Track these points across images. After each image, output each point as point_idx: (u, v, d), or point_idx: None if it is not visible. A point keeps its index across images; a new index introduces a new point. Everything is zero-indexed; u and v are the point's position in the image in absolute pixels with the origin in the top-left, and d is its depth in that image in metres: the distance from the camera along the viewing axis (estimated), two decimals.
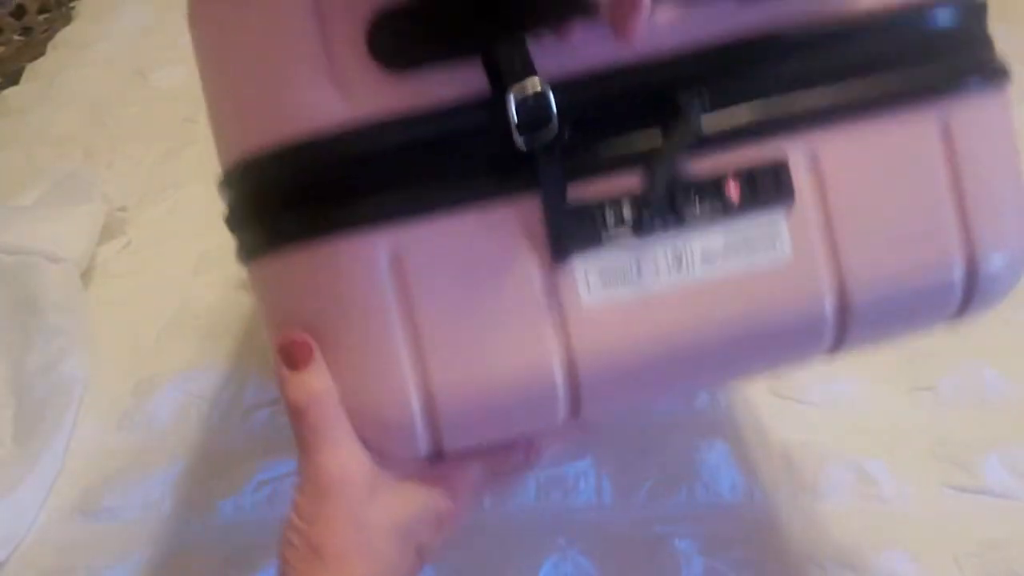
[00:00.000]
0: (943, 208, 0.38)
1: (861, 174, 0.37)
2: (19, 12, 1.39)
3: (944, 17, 0.38)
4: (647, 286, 0.36)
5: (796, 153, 0.37)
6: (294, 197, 0.35)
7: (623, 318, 0.36)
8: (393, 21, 0.34)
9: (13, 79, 1.20)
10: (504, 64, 0.33)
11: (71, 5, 1.36)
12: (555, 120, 0.34)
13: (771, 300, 0.37)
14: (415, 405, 0.36)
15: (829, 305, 0.37)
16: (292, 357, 0.36)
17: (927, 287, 0.38)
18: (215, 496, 0.59)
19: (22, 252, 0.74)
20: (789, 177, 0.37)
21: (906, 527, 0.57)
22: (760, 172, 0.36)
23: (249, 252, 0.37)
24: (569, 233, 0.35)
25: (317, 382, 0.36)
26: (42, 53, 1.22)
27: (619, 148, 0.35)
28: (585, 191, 0.35)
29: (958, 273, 0.38)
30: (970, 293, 0.39)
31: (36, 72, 1.17)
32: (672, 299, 0.36)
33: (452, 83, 0.34)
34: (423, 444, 0.37)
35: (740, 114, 0.36)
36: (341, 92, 0.34)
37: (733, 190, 0.36)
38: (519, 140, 0.34)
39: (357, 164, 0.34)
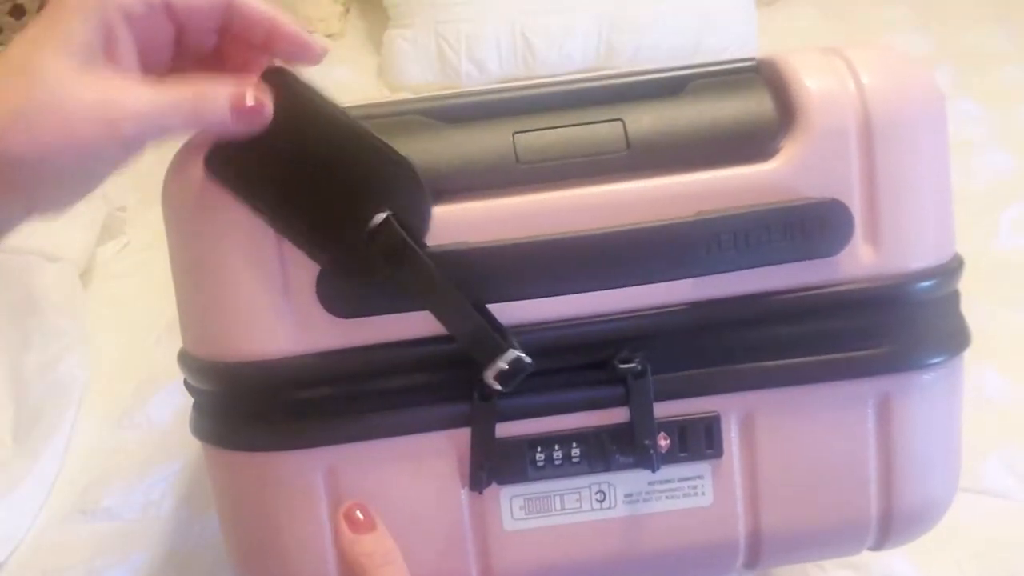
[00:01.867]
0: (866, 470, 0.39)
1: (791, 435, 0.38)
2: (18, 12, 1.39)
3: (911, 292, 0.37)
4: (569, 519, 0.38)
5: (729, 411, 0.38)
6: (242, 410, 0.38)
7: (543, 545, 0.38)
8: (332, 277, 0.36)
9: None
10: (476, 346, 0.35)
11: None
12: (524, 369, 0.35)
13: (688, 538, 0.39)
14: None
15: (743, 543, 0.39)
16: (355, 523, 0.38)
17: (841, 531, 0.40)
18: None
19: (22, 252, 0.74)
20: (719, 434, 0.38)
21: None
22: (691, 428, 0.38)
23: (200, 434, 0.39)
24: (496, 466, 0.37)
25: (377, 544, 0.38)
26: None
27: (554, 397, 0.37)
28: (516, 429, 0.37)
29: (873, 522, 0.40)
30: (885, 535, 0.40)
31: None
32: (591, 531, 0.38)
33: (395, 327, 0.36)
34: None
35: (678, 377, 0.37)
36: (294, 325, 0.36)
37: (663, 441, 0.38)
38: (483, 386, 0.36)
39: (300, 390, 0.37)
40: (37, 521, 0.59)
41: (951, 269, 0.39)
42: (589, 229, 0.36)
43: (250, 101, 0.33)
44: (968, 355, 0.39)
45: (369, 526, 0.38)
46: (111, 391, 0.68)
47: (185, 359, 0.39)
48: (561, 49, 1.01)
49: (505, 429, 0.37)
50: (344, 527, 0.38)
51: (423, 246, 0.35)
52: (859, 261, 0.37)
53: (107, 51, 0.33)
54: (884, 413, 0.38)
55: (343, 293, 0.36)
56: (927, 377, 0.38)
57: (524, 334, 0.36)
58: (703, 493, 0.39)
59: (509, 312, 0.36)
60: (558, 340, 0.36)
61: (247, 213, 0.35)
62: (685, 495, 0.38)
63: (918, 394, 0.38)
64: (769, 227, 0.36)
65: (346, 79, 1.09)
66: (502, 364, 0.35)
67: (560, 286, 0.36)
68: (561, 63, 1.01)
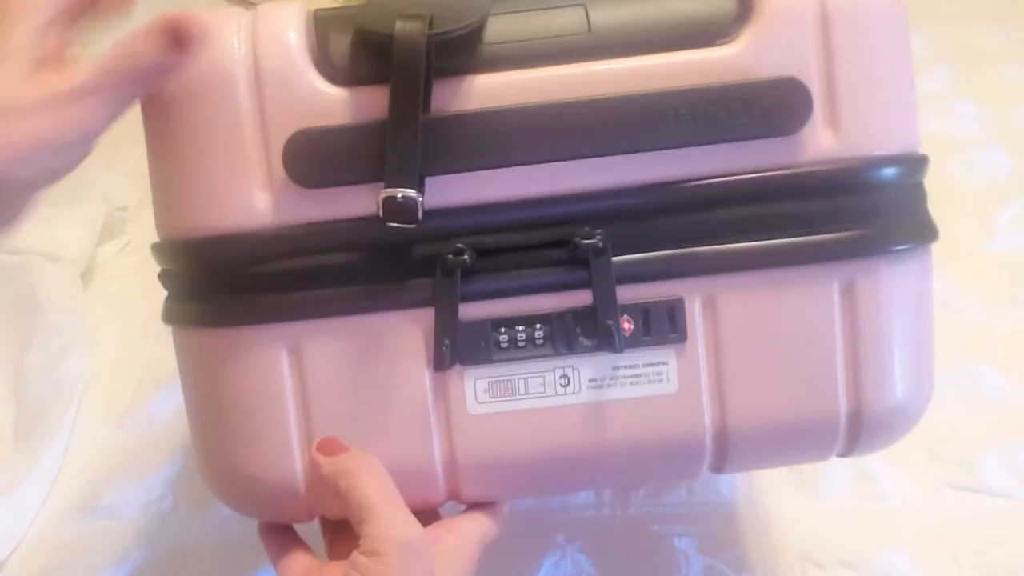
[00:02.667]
0: (832, 361, 0.39)
1: (756, 321, 0.38)
2: None
3: (872, 178, 0.38)
4: (533, 403, 0.38)
5: (693, 295, 0.38)
6: (210, 285, 0.38)
7: (507, 429, 0.38)
8: (303, 143, 0.36)
9: None
10: (390, 173, 0.36)
11: None
12: (418, 218, 0.36)
13: (653, 428, 0.39)
14: (298, 478, 0.39)
15: (709, 437, 0.39)
16: (330, 448, 0.38)
17: (809, 431, 0.40)
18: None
19: (22, 252, 0.74)
20: (683, 318, 0.38)
21: (906, 526, 0.57)
22: (654, 310, 0.38)
23: (170, 319, 0.40)
24: (460, 347, 0.38)
25: (354, 459, 0.38)
26: None
27: (517, 278, 0.38)
28: (480, 310, 0.38)
29: (841, 421, 0.39)
30: (854, 439, 0.40)
31: None
32: (556, 417, 0.38)
33: (360, 200, 0.37)
34: (301, 512, 0.40)
35: (640, 259, 0.37)
36: (260, 198, 0.37)
37: (626, 324, 0.38)
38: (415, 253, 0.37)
39: (266, 263, 0.37)
40: (37, 520, 0.59)
41: (915, 160, 0.39)
42: (548, 100, 0.36)
43: (176, 23, 0.34)
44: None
45: (342, 448, 0.38)
46: (111, 391, 0.68)
47: (156, 247, 0.40)
48: None
49: (470, 311, 0.38)
50: (319, 456, 0.38)
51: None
52: (819, 143, 0.37)
53: (41, 53, 0.34)
54: (850, 299, 0.38)
55: (309, 161, 0.36)
56: (894, 265, 0.38)
57: (488, 211, 0.37)
58: (668, 379, 0.38)
59: (472, 189, 0.37)
60: (519, 218, 0.37)
61: (219, 89, 0.37)
62: (650, 381, 0.38)
63: (885, 281, 0.38)
64: (727, 103, 0.36)
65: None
66: (395, 192, 0.35)
67: (520, 155, 0.36)
68: None
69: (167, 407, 0.66)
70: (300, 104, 0.37)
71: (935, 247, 0.41)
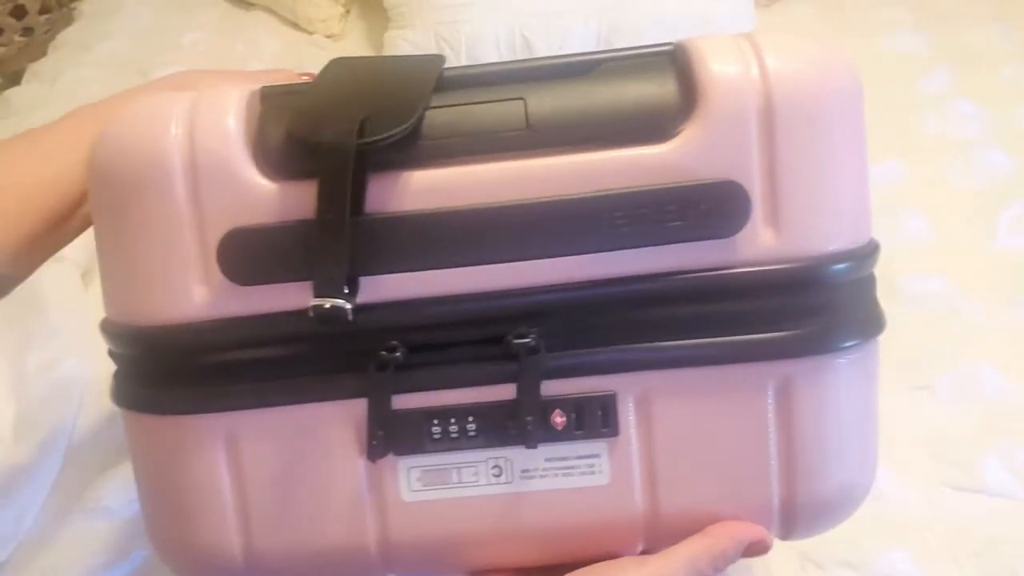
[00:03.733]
0: (765, 455, 0.38)
1: (689, 417, 0.38)
2: (19, 12, 1.39)
3: (815, 276, 0.37)
4: (466, 491, 0.39)
5: (627, 390, 0.38)
6: (151, 372, 0.39)
7: (440, 517, 0.39)
8: (236, 242, 0.37)
9: (14, 80, 1.20)
10: (317, 285, 0.35)
11: (72, 6, 1.36)
12: (347, 323, 0.35)
13: (584, 517, 0.39)
14: (236, 560, 0.39)
15: (640, 526, 0.39)
16: None
17: (742, 518, 0.39)
18: None
19: None
20: (615, 413, 0.38)
21: (906, 527, 0.57)
22: (587, 405, 0.38)
23: (117, 399, 0.40)
24: (393, 438, 0.38)
25: None
26: (43, 54, 1.22)
27: (450, 373, 0.38)
28: (413, 401, 0.38)
29: (774, 510, 0.39)
30: (790, 525, 0.40)
31: (37, 73, 1.18)
32: (489, 505, 0.39)
33: (294, 295, 0.36)
34: None
35: (575, 355, 0.37)
36: (199, 291, 0.37)
37: (558, 418, 0.38)
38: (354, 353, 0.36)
39: (203, 355, 0.38)
40: (37, 520, 0.59)
41: (863, 254, 0.38)
42: (483, 202, 0.36)
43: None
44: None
45: None
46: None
47: (104, 325, 0.40)
48: (561, 50, 1.01)
49: (403, 401, 0.38)
50: None
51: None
52: (759, 244, 0.37)
53: None
54: (785, 397, 0.38)
55: (243, 260, 0.37)
56: (834, 362, 0.38)
57: (422, 307, 0.37)
58: (600, 472, 0.38)
59: (407, 285, 0.37)
60: (455, 314, 0.37)
61: (156, 178, 0.37)
62: (582, 473, 0.38)
63: (823, 379, 0.38)
64: (663, 206, 0.36)
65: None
66: (324, 302, 0.35)
67: (454, 258, 0.37)
68: None
69: None
70: (235, 198, 0.37)
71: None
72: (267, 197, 0.37)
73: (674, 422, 0.38)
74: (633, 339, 0.37)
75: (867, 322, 0.39)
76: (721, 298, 0.37)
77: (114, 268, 0.39)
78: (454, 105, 0.38)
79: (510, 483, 0.39)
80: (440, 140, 0.37)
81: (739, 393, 0.38)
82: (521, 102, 0.38)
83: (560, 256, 0.37)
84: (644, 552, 0.40)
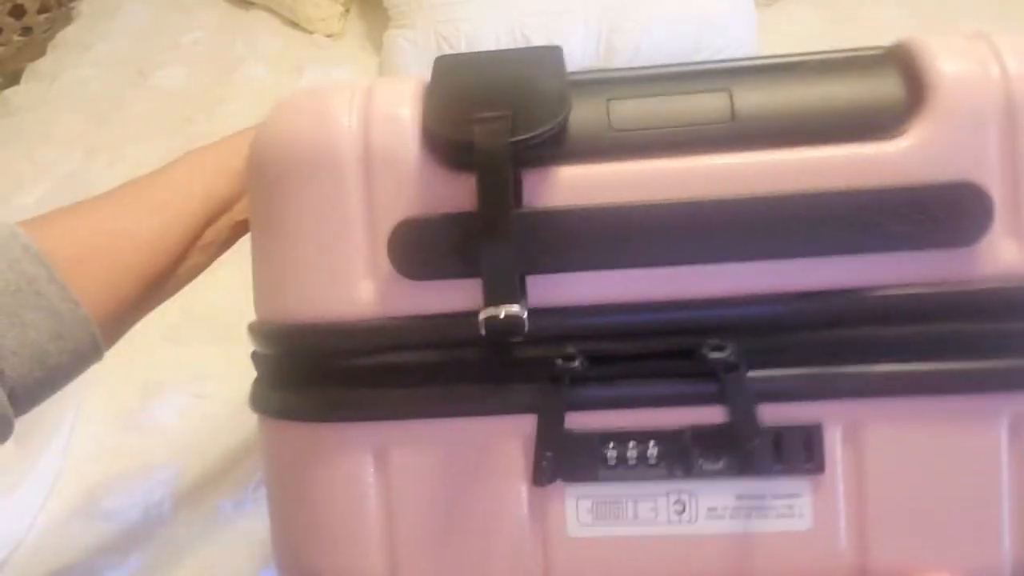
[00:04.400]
0: (996, 507, 0.33)
1: (906, 456, 0.33)
2: (18, 12, 1.39)
3: None
4: (642, 530, 0.34)
5: (835, 421, 0.33)
6: (301, 375, 0.35)
7: (611, 558, 0.34)
8: (409, 232, 0.34)
9: (13, 79, 1.20)
10: (488, 289, 0.32)
11: (71, 5, 1.36)
12: (523, 333, 0.32)
13: (779, 566, 0.33)
14: None
15: None
16: None
17: None
18: (215, 496, 0.59)
19: None
20: (822, 446, 0.33)
21: None
22: (788, 436, 0.33)
23: (257, 406, 0.37)
24: (563, 462, 0.33)
25: None
26: (42, 53, 1.22)
27: (632, 388, 0.33)
28: (588, 421, 0.33)
29: (1006, 574, 0.33)
30: None
31: (36, 72, 1.17)
32: (668, 547, 0.34)
33: (466, 294, 0.33)
34: None
35: (775, 376, 0.33)
36: (368, 288, 0.34)
37: (755, 449, 0.33)
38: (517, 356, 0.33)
39: (362, 356, 0.34)
40: (38, 522, 0.59)
41: None
42: (677, 197, 0.32)
43: None
44: None
45: None
46: (113, 393, 0.67)
47: (252, 327, 0.37)
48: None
49: (576, 421, 0.33)
50: None
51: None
52: (1000, 257, 0.32)
53: None
54: (1021, 438, 0.32)
55: (415, 252, 0.33)
56: None
57: (603, 313, 0.33)
58: (801, 515, 0.33)
59: (587, 288, 0.33)
60: (639, 324, 0.33)
61: (328, 167, 0.34)
62: (780, 515, 0.33)
63: None
64: (891, 208, 0.31)
65: (346, 80, 1.09)
66: (498, 311, 0.31)
67: (639, 257, 0.32)
68: None
69: (169, 410, 0.66)
70: (409, 188, 0.34)
71: None
72: (440, 187, 0.34)
73: (889, 460, 0.33)
74: (844, 361, 0.32)
75: None
76: (951, 317, 0.32)
77: (272, 264, 0.36)
78: (651, 95, 0.34)
79: (694, 522, 0.33)
80: (631, 132, 0.33)
81: (967, 429, 0.33)
82: (726, 93, 0.34)
83: (765, 260, 0.32)
84: None
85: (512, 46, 1.01)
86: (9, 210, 0.85)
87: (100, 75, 1.12)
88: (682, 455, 0.33)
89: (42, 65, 1.18)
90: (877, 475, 0.33)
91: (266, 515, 0.39)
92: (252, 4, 1.25)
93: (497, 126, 0.32)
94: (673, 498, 0.34)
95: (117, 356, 0.72)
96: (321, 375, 0.35)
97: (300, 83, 1.09)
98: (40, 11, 1.40)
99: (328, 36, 1.19)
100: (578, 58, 1.02)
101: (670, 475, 0.33)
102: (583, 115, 0.34)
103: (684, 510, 0.34)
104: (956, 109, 0.32)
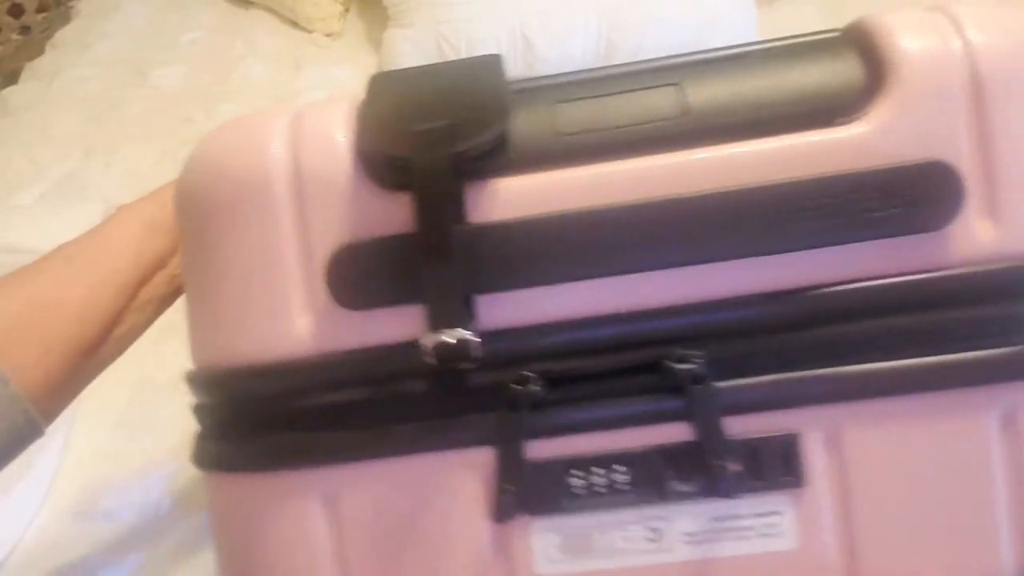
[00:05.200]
0: (992, 509, 0.31)
1: (892, 461, 0.31)
2: (17, 11, 1.39)
3: None
4: (616, 562, 0.31)
5: (813, 428, 0.31)
6: (240, 422, 0.33)
7: None
8: (349, 258, 0.32)
9: (12, 78, 1.20)
10: (431, 314, 0.30)
11: (70, 4, 1.36)
12: (474, 358, 0.30)
13: None
14: None
15: None
16: None
17: None
18: None
19: (20, 251, 0.73)
20: (801, 457, 0.31)
21: None
22: (765, 448, 0.31)
23: (199, 461, 0.35)
24: (526, 494, 0.31)
25: None
26: (41, 52, 1.22)
27: (595, 410, 0.31)
28: (550, 449, 0.31)
29: None
30: None
31: (35, 71, 1.17)
32: None
33: (411, 322, 0.31)
34: None
35: (747, 385, 0.31)
36: (305, 323, 0.32)
37: (729, 466, 0.31)
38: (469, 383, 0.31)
39: (304, 396, 0.32)
40: (35, 522, 0.59)
41: None
42: (629, 200, 0.30)
43: None
44: None
45: None
46: (109, 393, 0.67)
47: (189, 376, 0.36)
48: (562, 48, 1.01)
49: (538, 450, 0.31)
50: None
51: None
52: (974, 238, 0.30)
53: None
54: (1015, 430, 0.31)
55: (356, 280, 0.31)
56: None
57: (557, 332, 0.31)
58: (784, 533, 0.31)
59: (539, 305, 0.31)
60: (598, 339, 0.31)
61: (257, 197, 0.32)
62: (761, 535, 0.31)
63: None
64: (860, 194, 0.29)
65: (345, 79, 1.08)
66: (445, 336, 0.29)
67: (590, 267, 0.30)
68: (562, 62, 1.01)
69: (166, 408, 0.65)
70: (345, 212, 0.32)
71: None
72: (378, 209, 0.32)
73: (873, 467, 0.31)
74: (819, 363, 0.30)
75: None
76: (929, 307, 0.30)
77: (204, 306, 0.34)
78: (594, 96, 0.32)
79: (670, 550, 0.31)
80: (576, 135, 0.32)
81: (955, 426, 0.31)
82: (674, 87, 0.32)
83: (727, 260, 0.30)
84: None
85: (513, 46, 1.01)
86: (8, 210, 0.84)
87: (99, 75, 1.12)
88: (653, 478, 0.31)
89: (40, 64, 1.18)
90: (862, 483, 0.31)
91: None
92: (251, 3, 1.24)
93: (434, 138, 0.30)
94: (646, 525, 0.31)
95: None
96: (261, 421, 0.33)
97: (299, 82, 1.09)
98: (39, 10, 1.40)
99: (327, 35, 1.19)
100: (579, 58, 1.02)
101: (641, 501, 0.31)
102: (528, 122, 0.32)
103: (659, 538, 0.31)
104: (918, 87, 0.31)
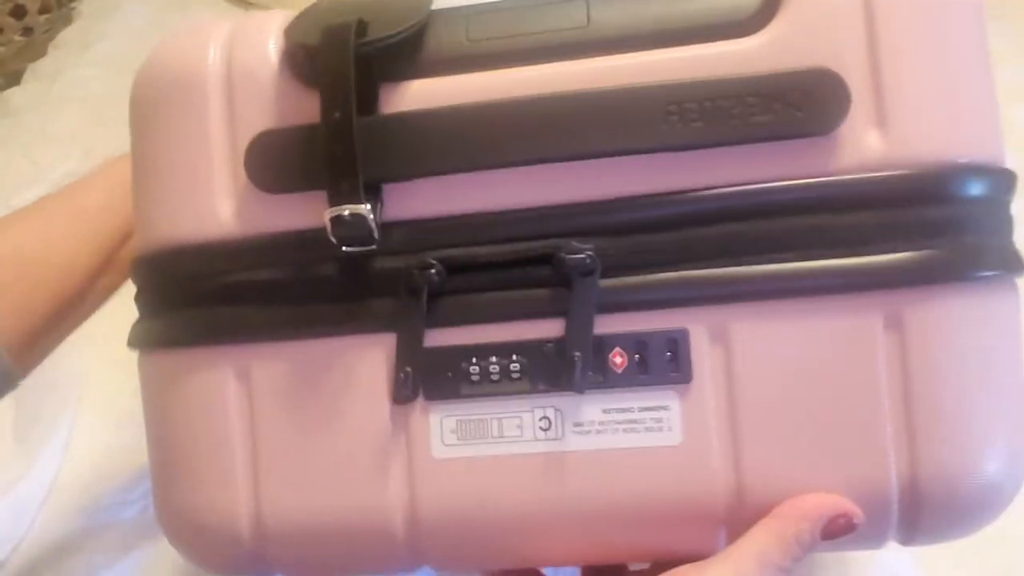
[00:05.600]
0: (877, 413, 0.31)
1: (778, 360, 0.32)
2: (19, 12, 1.39)
3: (932, 188, 0.31)
4: (507, 448, 0.33)
5: (701, 326, 0.32)
6: (165, 301, 0.36)
7: (477, 478, 0.33)
8: (266, 143, 0.35)
9: (14, 79, 1.20)
10: (331, 192, 0.33)
11: (72, 5, 1.36)
12: (374, 238, 0.33)
13: (650, 486, 0.32)
14: (243, 524, 0.35)
15: (720, 503, 0.32)
16: None
17: (856, 499, 0.32)
18: None
19: None
20: (688, 354, 0.32)
21: None
22: (652, 343, 0.32)
23: (129, 340, 0.38)
24: (424, 378, 0.33)
25: None
26: (43, 53, 1.22)
27: (492, 300, 0.33)
28: (449, 337, 0.33)
29: (892, 492, 0.31)
30: (913, 519, 0.32)
31: (37, 72, 1.17)
32: (534, 466, 0.33)
33: (319, 211, 0.33)
34: (246, 564, 0.36)
35: (637, 282, 0.32)
36: (227, 206, 0.35)
37: (617, 359, 0.32)
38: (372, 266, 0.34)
39: (220, 276, 0.35)
40: (37, 519, 0.59)
41: (997, 175, 0.32)
42: (524, 95, 0.32)
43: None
44: None
45: None
46: (111, 390, 0.67)
47: (132, 263, 0.38)
48: None
49: (437, 338, 0.33)
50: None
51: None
52: (863, 146, 0.31)
53: None
54: (899, 337, 0.31)
55: (271, 162, 0.34)
56: (964, 295, 0.31)
57: (458, 224, 0.33)
58: (670, 428, 0.32)
59: (441, 198, 0.33)
60: (499, 230, 0.33)
61: (191, 91, 0.36)
62: (648, 429, 0.32)
63: (947, 314, 0.31)
64: (742, 97, 0.31)
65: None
66: (342, 210, 0.32)
67: (491, 155, 0.32)
68: None
69: None
70: (268, 103, 0.35)
71: None
72: (296, 101, 0.35)
73: (759, 368, 0.32)
74: (707, 262, 0.32)
75: (1006, 254, 0.32)
76: (817, 211, 0.31)
77: (141, 195, 0.37)
78: (509, 8, 0.35)
79: (560, 439, 0.33)
80: (487, 41, 0.34)
81: (839, 330, 0.31)
82: (583, 2, 0.34)
83: (619, 154, 0.32)
84: (728, 539, 0.33)
85: None
86: (8, 210, 0.84)
87: (100, 75, 1.12)
88: (545, 369, 0.33)
89: (43, 65, 1.18)
90: (747, 385, 0.32)
91: None
92: (251, 4, 1.25)
93: (342, 32, 0.33)
94: (538, 414, 0.33)
95: (116, 354, 0.72)
96: (183, 300, 0.35)
97: None
98: (41, 11, 1.41)
99: None
100: None
101: (534, 390, 0.33)
102: (442, 31, 0.35)
103: (550, 426, 0.33)
104: (812, 4, 0.32)
